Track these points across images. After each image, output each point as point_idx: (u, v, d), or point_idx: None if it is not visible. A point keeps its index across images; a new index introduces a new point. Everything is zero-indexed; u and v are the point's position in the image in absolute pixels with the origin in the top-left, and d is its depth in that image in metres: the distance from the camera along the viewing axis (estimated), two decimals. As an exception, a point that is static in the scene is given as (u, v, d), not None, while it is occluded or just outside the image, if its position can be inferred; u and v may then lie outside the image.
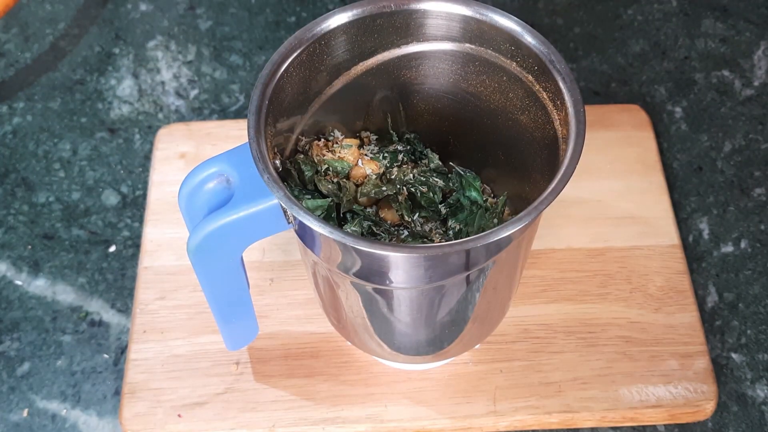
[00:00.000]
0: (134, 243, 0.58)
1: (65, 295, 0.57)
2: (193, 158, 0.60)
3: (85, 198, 0.61)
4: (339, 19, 0.43)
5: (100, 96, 0.65)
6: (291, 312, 0.54)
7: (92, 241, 0.59)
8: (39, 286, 0.57)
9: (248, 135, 0.39)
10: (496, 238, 0.37)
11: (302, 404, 0.51)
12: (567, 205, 0.57)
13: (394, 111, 0.48)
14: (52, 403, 0.53)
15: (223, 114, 0.65)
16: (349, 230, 0.44)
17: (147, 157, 0.62)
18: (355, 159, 0.46)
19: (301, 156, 0.45)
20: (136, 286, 0.56)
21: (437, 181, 0.46)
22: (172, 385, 0.52)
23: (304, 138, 0.45)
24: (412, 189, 0.45)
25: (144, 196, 0.60)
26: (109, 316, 0.56)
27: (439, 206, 0.46)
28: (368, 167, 0.46)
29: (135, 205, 0.60)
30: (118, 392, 0.53)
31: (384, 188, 0.45)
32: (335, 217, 0.44)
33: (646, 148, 0.61)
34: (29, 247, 0.59)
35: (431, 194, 0.46)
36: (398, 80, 0.46)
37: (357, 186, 0.45)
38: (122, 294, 0.57)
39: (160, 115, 0.64)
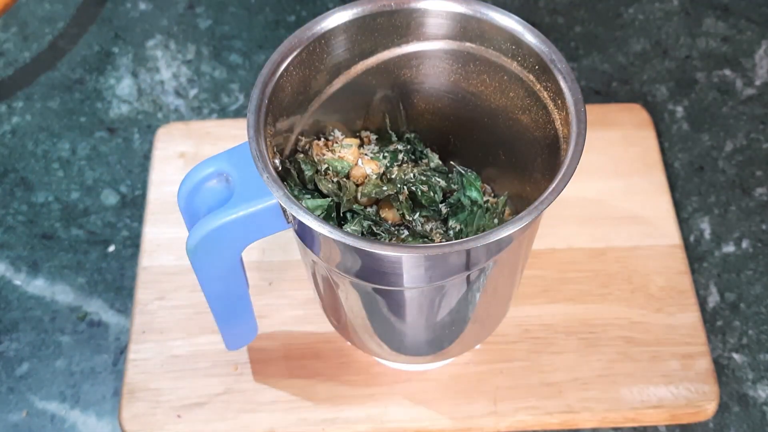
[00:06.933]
0: (133, 243, 0.58)
1: (64, 295, 0.56)
2: (192, 158, 0.60)
3: (84, 198, 0.60)
4: (339, 18, 0.43)
5: (99, 95, 0.65)
6: (291, 312, 0.54)
7: (91, 241, 0.59)
8: (38, 286, 0.57)
9: (248, 134, 0.39)
10: (496, 238, 0.37)
11: (302, 405, 0.51)
12: (568, 204, 0.57)
13: (394, 110, 0.48)
14: (51, 403, 0.53)
15: (223, 113, 0.64)
16: (349, 230, 0.43)
17: (146, 157, 0.62)
18: (355, 158, 0.46)
19: (301, 155, 0.45)
20: (136, 286, 0.55)
21: (438, 181, 0.46)
22: (171, 385, 0.52)
23: (304, 137, 0.45)
24: (413, 188, 0.45)
25: (143, 195, 0.60)
26: (108, 316, 0.56)
27: (440, 206, 0.46)
28: (368, 167, 0.46)
29: (134, 204, 0.60)
30: (117, 393, 0.53)
31: (384, 188, 0.45)
32: (335, 216, 0.44)
33: (647, 147, 0.60)
34: (28, 247, 0.58)
35: (432, 193, 0.46)
36: (398, 79, 0.46)
37: (357, 185, 0.45)
38: (121, 294, 0.56)
39: (160, 115, 0.64)
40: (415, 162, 0.48)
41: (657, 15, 0.69)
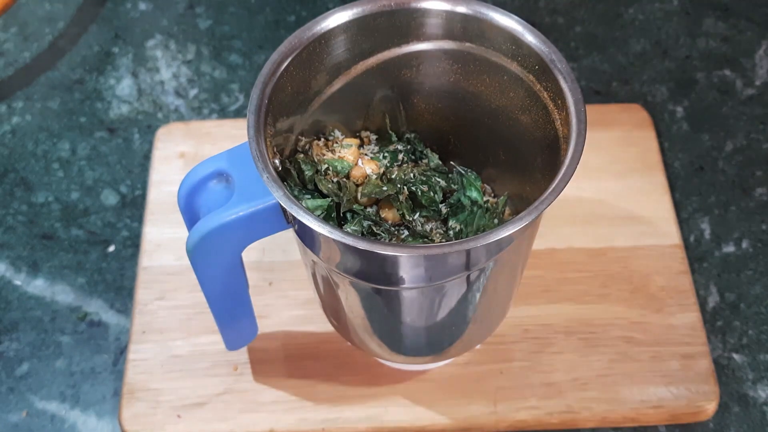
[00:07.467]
0: (133, 243, 0.58)
1: (64, 295, 0.56)
2: (192, 158, 0.60)
3: (84, 198, 0.60)
4: (339, 18, 0.43)
5: (99, 95, 0.65)
6: (291, 312, 0.54)
7: (91, 241, 0.59)
8: (38, 286, 0.57)
9: (248, 134, 0.39)
10: (496, 238, 0.37)
11: (302, 405, 0.51)
12: (568, 205, 0.57)
13: (394, 110, 0.48)
14: (51, 403, 0.53)
15: (223, 113, 0.64)
16: (349, 230, 0.43)
17: (146, 157, 0.62)
18: (355, 159, 0.46)
19: (301, 155, 0.45)
20: (136, 286, 0.55)
21: (438, 181, 0.46)
22: (171, 385, 0.52)
23: (304, 138, 0.45)
24: (413, 188, 0.45)
25: (143, 195, 0.60)
26: (108, 316, 0.56)
27: (440, 206, 0.46)
28: (368, 167, 0.46)
29: (134, 204, 0.60)
30: (117, 393, 0.53)
31: (384, 188, 0.45)
32: (335, 216, 0.44)
33: (647, 147, 0.60)
34: (28, 247, 0.58)
35: (432, 193, 0.46)
36: (398, 80, 0.46)
37: (357, 185, 0.45)
38: (121, 294, 0.56)
39: (160, 115, 0.64)
40: (415, 162, 0.48)
41: (657, 15, 0.69)
